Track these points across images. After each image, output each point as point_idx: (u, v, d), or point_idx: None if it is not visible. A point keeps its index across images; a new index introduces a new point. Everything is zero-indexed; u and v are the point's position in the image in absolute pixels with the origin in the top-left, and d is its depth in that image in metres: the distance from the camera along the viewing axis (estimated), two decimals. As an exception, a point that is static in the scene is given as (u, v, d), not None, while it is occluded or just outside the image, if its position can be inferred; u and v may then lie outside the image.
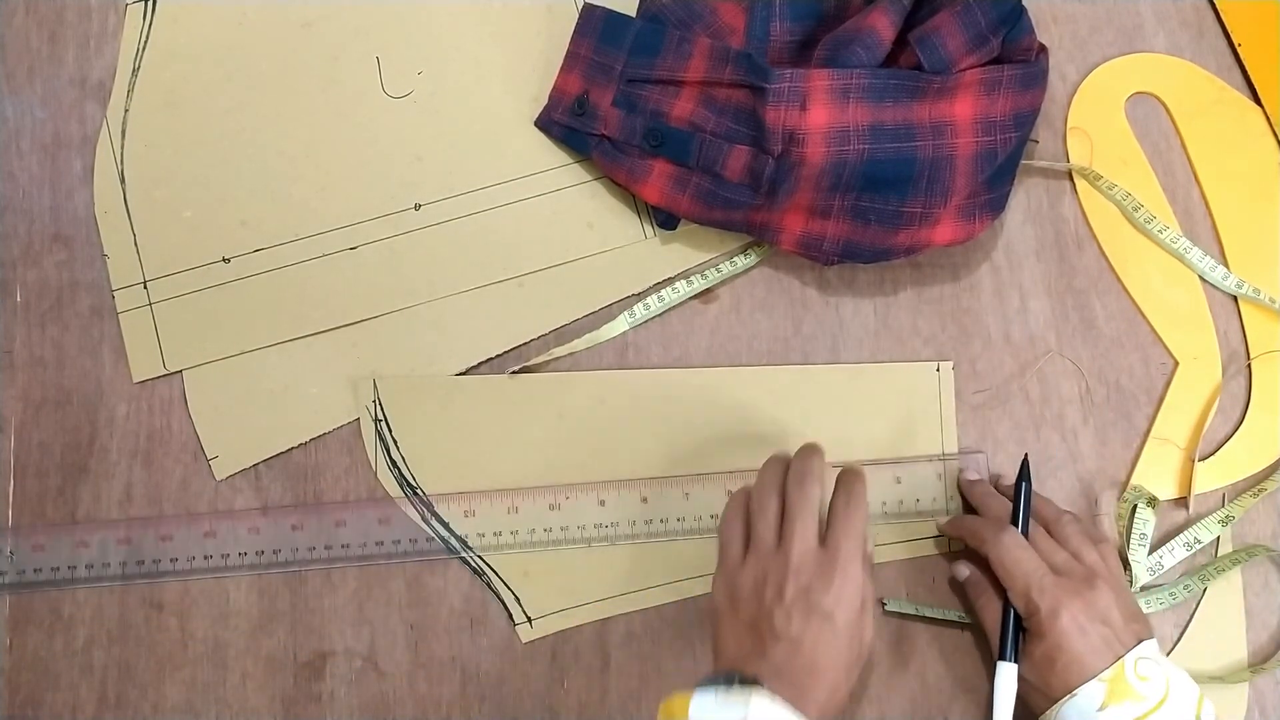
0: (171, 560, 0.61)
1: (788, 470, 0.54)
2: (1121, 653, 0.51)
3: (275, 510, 0.61)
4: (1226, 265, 0.64)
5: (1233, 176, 0.65)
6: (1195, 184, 0.65)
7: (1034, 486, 0.60)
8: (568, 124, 0.62)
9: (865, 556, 0.51)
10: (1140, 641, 0.51)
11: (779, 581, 0.50)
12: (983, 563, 0.56)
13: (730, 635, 0.51)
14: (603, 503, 0.61)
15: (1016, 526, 0.55)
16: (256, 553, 0.61)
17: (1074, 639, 0.51)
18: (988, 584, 0.56)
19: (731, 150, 0.58)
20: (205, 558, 0.61)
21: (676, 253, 0.63)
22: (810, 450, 0.54)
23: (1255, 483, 0.61)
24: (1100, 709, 0.50)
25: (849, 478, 0.54)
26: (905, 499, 0.61)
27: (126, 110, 0.64)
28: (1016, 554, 0.53)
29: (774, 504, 0.52)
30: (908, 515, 0.61)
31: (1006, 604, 0.54)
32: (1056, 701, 0.51)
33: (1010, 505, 0.57)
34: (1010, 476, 0.61)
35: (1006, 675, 0.53)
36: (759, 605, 0.50)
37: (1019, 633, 0.54)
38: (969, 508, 0.60)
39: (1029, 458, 0.58)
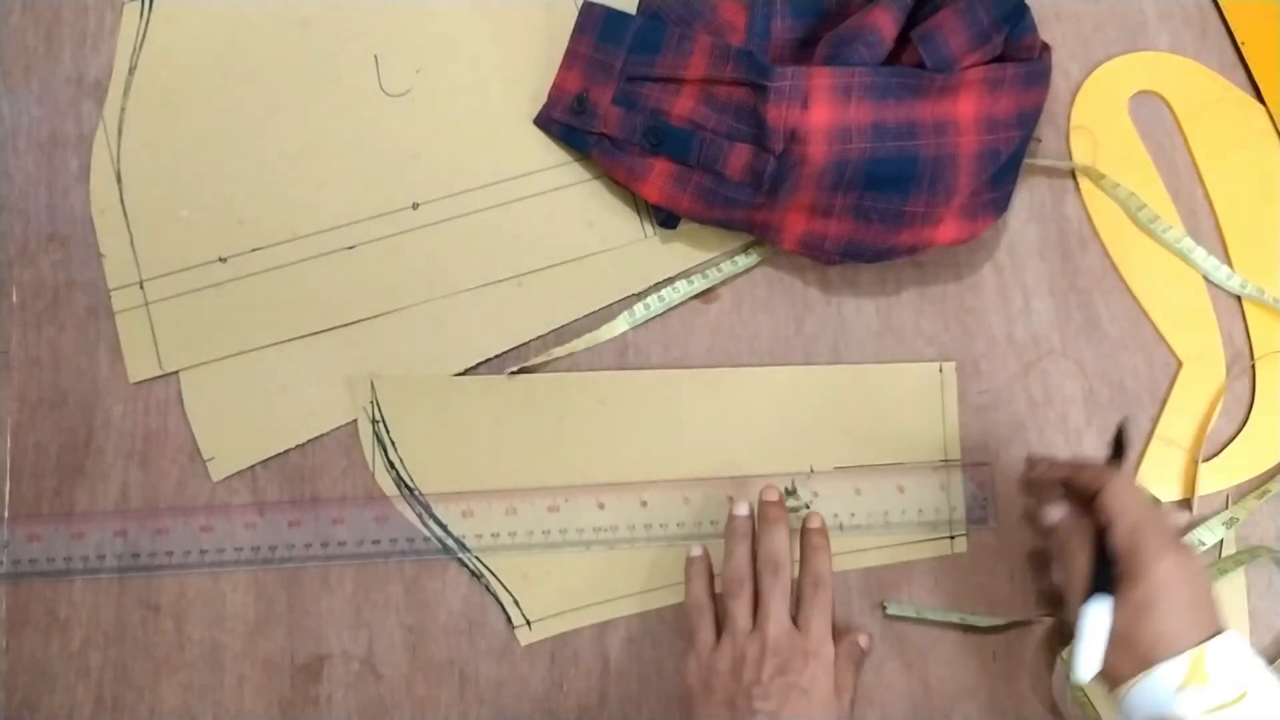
0: (167, 554, 0.60)
1: (754, 548, 0.58)
2: (1208, 625, 0.48)
3: (272, 506, 0.61)
4: (1230, 265, 0.63)
5: (1236, 176, 0.64)
6: (1199, 183, 0.64)
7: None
8: (567, 122, 0.62)
9: (851, 645, 0.57)
10: (1219, 630, 0.48)
11: (757, 661, 0.54)
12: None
13: (710, 716, 0.54)
14: (602, 506, 0.61)
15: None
16: (253, 548, 0.60)
17: (1177, 588, 0.48)
18: (1080, 527, 0.53)
19: (732, 148, 0.57)
20: (201, 552, 0.60)
21: (677, 252, 0.63)
22: (776, 530, 0.57)
23: (1259, 484, 0.61)
24: (1179, 688, 0.47)
25: (812, 556, 0.58)
26: (908, 509, 0.60)
27: (123, 109, 0.64)
28: (1131, 489, 0.52)
29: (748, 590, 0.57)
30: (910, 525, 0.60)
31: (1101, 546, 0.50)
32: (1140, 668, 0.48)
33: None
34: (1012, 482, 0.61)
35: (1100, 611, 0.49)
36: (737, 684, 0.54)
37: (1110, 575, 0.50)
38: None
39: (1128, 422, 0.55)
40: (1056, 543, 0.55)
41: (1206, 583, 0.50)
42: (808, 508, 0.60)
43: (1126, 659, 0.49)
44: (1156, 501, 0.56)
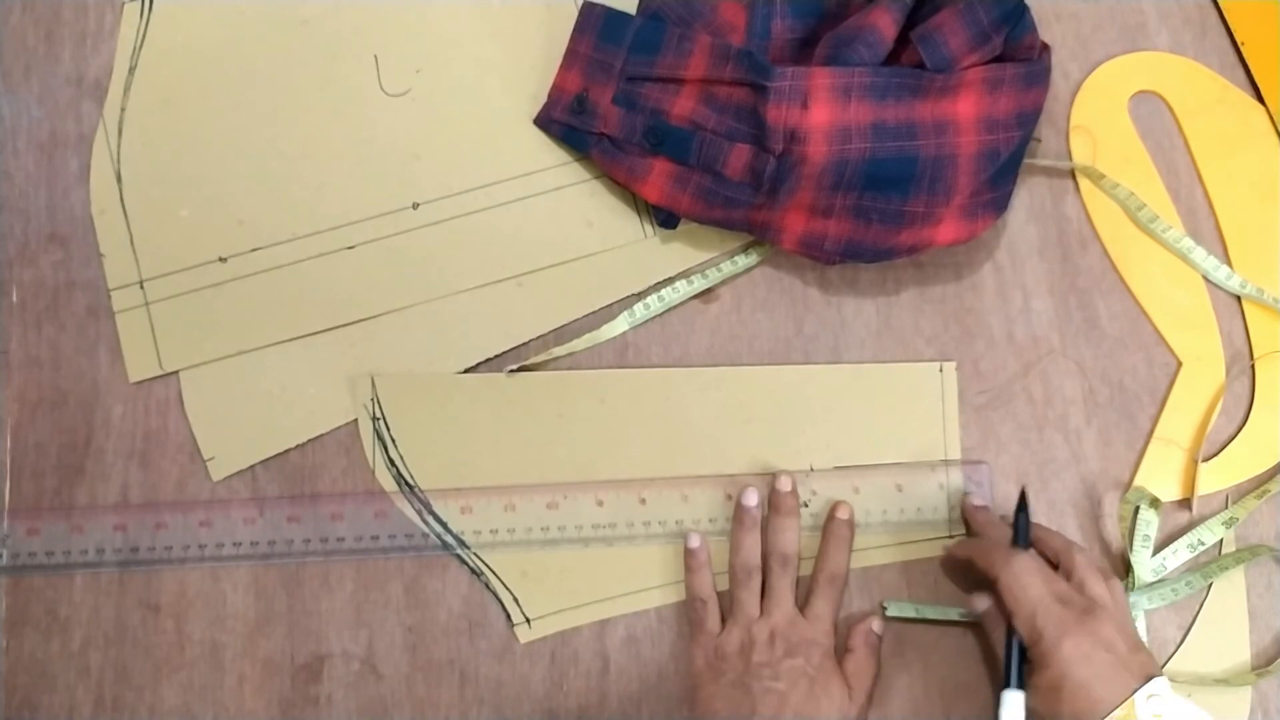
0: (166, 549, 0.60)
1: (764, 537, 0.59)
2: (1131, 683, 0.49)
3: (271, 501, 0.61)
4: (1230, 265, 0.63)
5: (1236, 176, 0.64)
6: (1199, 183, 0.64)
7: (1039, 488, 0.61)
8: (567, 122, 0.62)
9: (868, 633, 0.58)
10: (1149, 678, 0.50)
11: (767, 644, 0.56)
12: (987, 590, 0.55)
13: (719, 696, 0.56)
14: (601, 503, 0.61)
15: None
16: (252, 543, 0.60)
17: (1078, 666, 0.50)
18: (997, 614, 0.55)
19: (732, 149, 0.57)
20: (200, 547, 0.60)
21: (677, 252, 0.63)
22: (788, 523, 0.59)
23: (1259, 484, 0.61)
24: None
25: (834, 548, 0.59)
26: (906, 507, 0.61)
27: (123, 109, 0.64)
28: (1025, 580, 0.52)
29: (757, 579, 0.58)
30: (908, 524, 0.61)
31: (1010, 632, 0.53)
32: None
33: (1011, 533, 0.56)
34: (1011, 484, 0.61)
35: (1014, 704, 0.52)
36: (746, 665, 0.56)
37: (1024, 661, 0.53)
38: (970, 529, 0.60)
39: (1026, 490, 0.56)
40: (985, 628, 0.56)
41: (1123, 641, 0.51)
42: (806, 505, 0.60)
43: None
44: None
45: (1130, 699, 0.49)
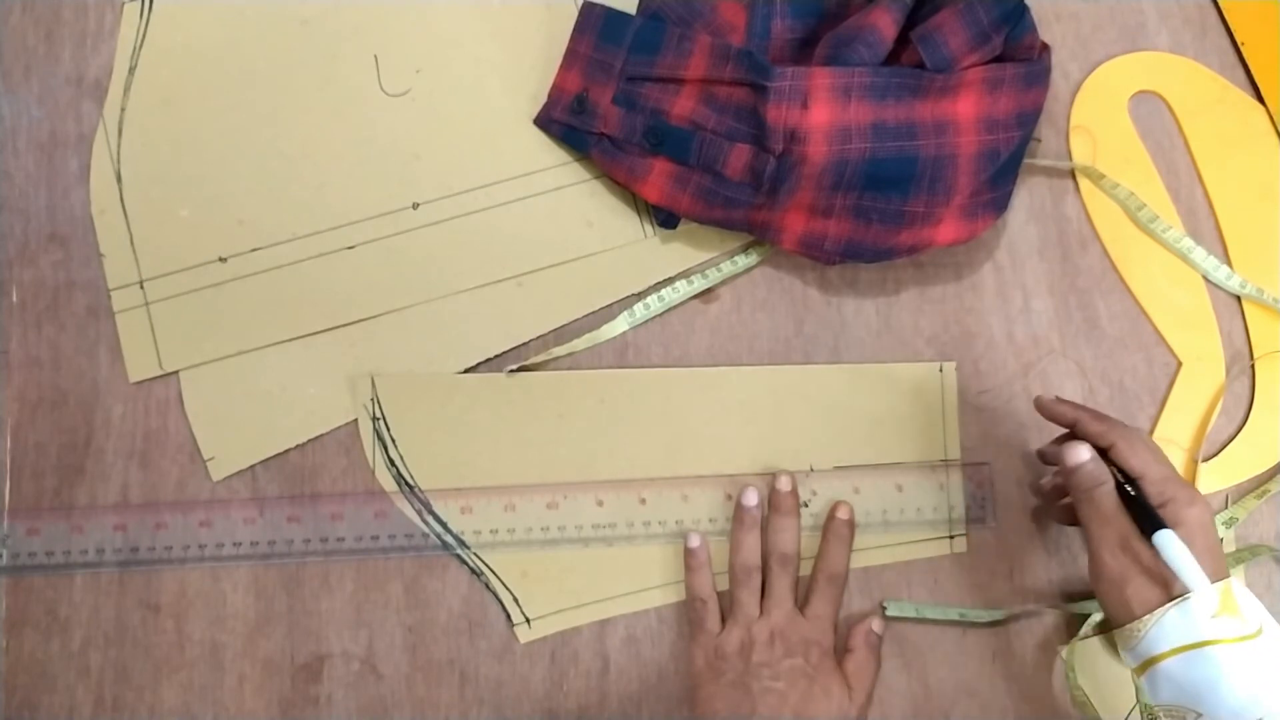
0: (166, 549, 0.60)
1: (764, 537, 0.59)
2: (1224, 570, 0.50)
3: (271, 501, 0.61)
4: (1230, 265, 0.63)
5: (1236, 176, 0.64)
6: (1199, 183, 0.64)
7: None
8: (567, 122, 0.62)
9: (869, 633, 0.58)
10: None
11: (766, 644, 0.57)
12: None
13: (719, 696, 0.56)
14: (601, 503, 0.61)
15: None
16: (251, 543, 0.60)
17: (1204, 532, 0.50)
18: (1102, 471, 0.52)
19: (732, 149, 0.57)
20: (200, 547, 0.60)
21: (677, 252, 0.63)
22: (788, 522, 0.59)
23: (1259, 484, 0.61)
24: (1214, 616, 0.48)
25: (833, 547, 0.59)
26: (906, 508, 0.61)
27: (123, 109, 0.64)
28: (1146, 442, 0.52)
29: (756, 579, 0.59)
30: (908, 524, 0.61)
31: (1128, 487, 0.51)
32: (1173, 598, 0.49)
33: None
34: (1012, 484, 0.61)
35: (1173, 540, 0.49)
36: (746, 665, 0.57)
37: (1142, 519, 0.50)
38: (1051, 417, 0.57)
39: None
40: (1081, 484, 0.52)
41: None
42: (806, 505, 0.60)
43: (1157, 594, 0.49)
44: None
45: (1228, 580, 0.49)
